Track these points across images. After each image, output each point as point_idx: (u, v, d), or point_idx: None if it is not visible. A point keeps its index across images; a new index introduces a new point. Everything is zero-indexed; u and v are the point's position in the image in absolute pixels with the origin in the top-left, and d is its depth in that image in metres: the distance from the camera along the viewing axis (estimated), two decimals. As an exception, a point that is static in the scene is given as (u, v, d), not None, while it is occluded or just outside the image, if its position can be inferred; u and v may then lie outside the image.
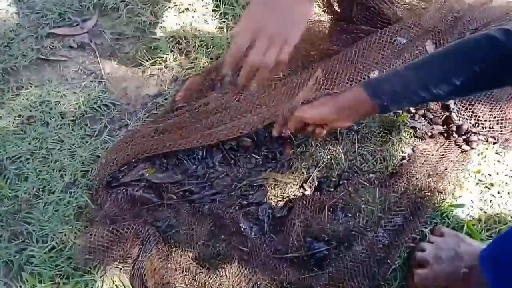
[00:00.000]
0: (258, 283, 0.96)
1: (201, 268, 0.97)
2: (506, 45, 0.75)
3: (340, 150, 1.12)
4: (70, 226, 0.99)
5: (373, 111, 0.86)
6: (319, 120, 0.91)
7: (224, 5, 1.39)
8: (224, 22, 1.36)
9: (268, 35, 0.70)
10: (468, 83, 0.80)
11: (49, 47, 1.32)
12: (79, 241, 0.97)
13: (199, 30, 1.35)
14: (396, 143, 1.14)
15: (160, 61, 1.29)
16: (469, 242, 0.96)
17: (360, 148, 1.13)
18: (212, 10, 1.39)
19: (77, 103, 1.20)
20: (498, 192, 1.08)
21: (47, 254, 0.96)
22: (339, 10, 1.28)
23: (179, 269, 0.96)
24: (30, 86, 1.23)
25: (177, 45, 1.32)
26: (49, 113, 1.18)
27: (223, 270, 0.96)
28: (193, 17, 1.38)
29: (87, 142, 1.13)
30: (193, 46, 1.30)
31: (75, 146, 1.12)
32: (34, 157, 1.10)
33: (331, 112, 0.89)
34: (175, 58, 1.29)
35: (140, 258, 0.96)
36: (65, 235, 0.98)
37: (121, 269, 0.97)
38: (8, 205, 1.03)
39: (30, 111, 1.18)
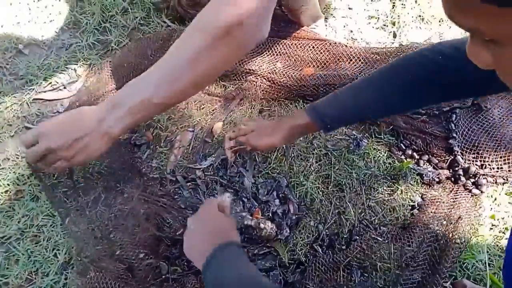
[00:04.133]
0: None
1: None
2: (431, 60, 0.79)
3: (348, 203, 1.08)
4: (68, 314, 0.91)
5: (317, 130, 0.94)
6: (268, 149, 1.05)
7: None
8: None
9: (56, 156, 0.79)
10: (404, 100, 0.85)
11: (36, 113, 1.27)
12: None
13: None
14: (404, 192, 1.11)
15: (152, 122, 1.25)
16: (493, 296, 0.92)
17: (368, 200, 1.09)
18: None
19: (68, 172, 1.14)
20: (514, 236, 1.04)
21: None
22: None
23: None
24: (17, 158, 1.16)
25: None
26: (39, 186, 1.11)
27: None
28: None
29: (81, 214, 1.06)
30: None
31: (68, 221, 1.05)
32: (24, 236, 1.03)
33: (281, 141, 0.96)
34: (169, 117, 1.25)
35: None
36: (63, 325, 0.90)
37: None
38: (-2, 293, 0.95)
39: (18, 185, 1.11)
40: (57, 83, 1.34)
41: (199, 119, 1.24)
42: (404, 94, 0.83)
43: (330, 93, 0.92)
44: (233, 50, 0.75)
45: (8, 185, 1.11)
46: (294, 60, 1.26)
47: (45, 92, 1.33)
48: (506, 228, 1.05)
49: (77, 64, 1.38)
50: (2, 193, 1.10)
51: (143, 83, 0.76)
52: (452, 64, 0.76)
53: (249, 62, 1.27)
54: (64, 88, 1.34)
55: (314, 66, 1.25)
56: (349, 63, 1.25)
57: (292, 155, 1.17)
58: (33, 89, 1.32)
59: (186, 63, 0.74)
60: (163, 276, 0.97)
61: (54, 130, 0.80)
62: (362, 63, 1.24)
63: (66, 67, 1.38)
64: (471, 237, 1.02)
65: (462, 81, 0.77)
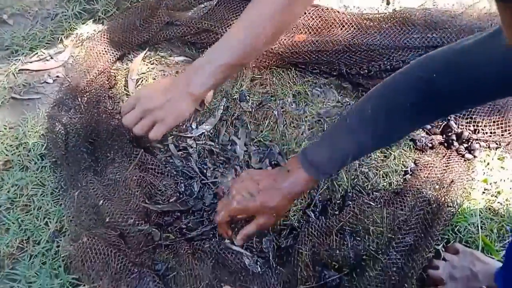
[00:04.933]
0: (270, 320, 0.90)
1: (208, 311, 0.90)
2: (427, 81, 0.73)
3: (341, 169, 1.07)
4: (60, 280, 0.90)
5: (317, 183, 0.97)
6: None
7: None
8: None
9: (152, 117, 0.92)
10: (403, 129, 0.82)
11: (22, 84, 1.24)
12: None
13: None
14: (397, 157, 1.10)
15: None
16: (484, 260, 0.92)
17: (360, 166, 1.09)
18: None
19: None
20: (506, 200, 1.04)
21: (37, 314, 0.88)
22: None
23: (184, 315, 0.89)
24: (5, 129, 1.14)
25: (158, 72, 1.26)
26: (28, 156, 1.09)
27: (231, 311, 0.89)
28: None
29: (71, 183, 1.05)
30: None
31: (59, 190, 1.04)
32: (14, 205, 1.01)
33: (287, 206, 0.92)
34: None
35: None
36: (56, 290, 0.90)
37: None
38: (-11, 262, 0.94)
39: (7, 155, 1.09)
40: (44, 53, 1.31)
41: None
42: (403, 123, 0.80)
43: (322, 139, 0.88)
44: (302, 4, 0.86)
45: (-4, 155, 1.09)
46: (286, 26, 1.23)
47: (31, 62, 1.30)
48: (498, 192, 1.05)
49: (63, 34, 1.34)
50: (-10, 163, 1.08)
51: (222, 48, 0.88)
52: (447, 80, 0.72)
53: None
54: (51, 58, 1.31)
55: (306, 32, 1.23)
56: (341, 29, 1.22)
57: (285, 122, 1.16)
58: (19, 59, 1.29)
59: (260, 25, 0.84)
60: (156, 243, 0.97)
61: (148, 94, 0.94)
62: (354, 29, 1.22)
63: (53, 37, 1.34)
64: (463, 201, 1.02)
65: (459, 94, 0.73)
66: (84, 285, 0.89)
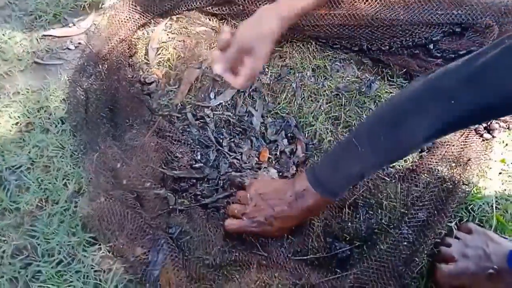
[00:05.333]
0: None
1: (219, 275, 0.91)
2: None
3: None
4: (77, 237, 0.93)
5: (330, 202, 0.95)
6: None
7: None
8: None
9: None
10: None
11: (45, 49, 1.26)
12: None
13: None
14: (414, 134, 1.09)
15: (162, 61, 1.23)
16: (497, 240, 0.91)
17: (377, 142, 1.08)
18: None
19: (78, 107, 1.14)
20: (523, 181, 1.03)
21: (54, 269, 0.90)
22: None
23: (195, 278, 0.91)
24: (27, 92, 1.17)
25: (179, 42, 1.26)
26: (49, 119, 1.12)
27: (241, 276, 0.91)
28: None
29: (91, 147, 1.07)
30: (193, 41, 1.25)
31: (78, 153, 1.06)
32: (35, 166, 1.04)
33: (299, 220, 0.94)
34: (178, 56, 1.23)
35: (151, 267, 0.91)
36: (73, 247, 0.92)
37: (132, 280, 0.92)
38: (10, 218, 0.97)
39: (29, 117, 1.12)
40: (67, 20, 1.33)
41: (209, 58, 1.22)
42: (418, 143, 0.79)
43: (333, 165, 0.87)
44: None
45: (19, 117, 1.12)
46: (308, -1, 1.22)
47: (54, 29, 1.32)
48: (516, 173, 1.04)
49: (86, 2, 1.36)
50: (12, 125, 1.11)
51: None
52: (469, 98, 0.69)
53: (260, 1, 1.23)
54: (74, 25, 1.33)
55: (328, 6, 1.21)
56: (365, 3, 1.20)
57: (302, 96, 1.15)
58: (43, 25, 1.31)
59: None
60: (171, 207, 0.98)
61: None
62: (378, 4, 1.20)
63: (76, 5, 1.36)
64: (479, 180, 1.01)
65: (480, 112, 0.71)
66: (100, 244, 0.92)
